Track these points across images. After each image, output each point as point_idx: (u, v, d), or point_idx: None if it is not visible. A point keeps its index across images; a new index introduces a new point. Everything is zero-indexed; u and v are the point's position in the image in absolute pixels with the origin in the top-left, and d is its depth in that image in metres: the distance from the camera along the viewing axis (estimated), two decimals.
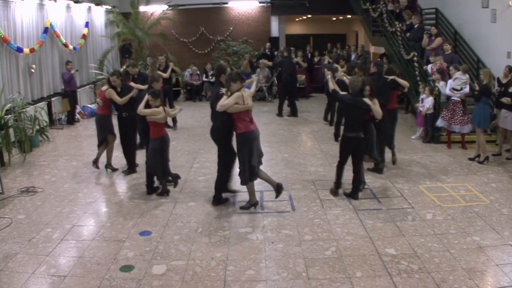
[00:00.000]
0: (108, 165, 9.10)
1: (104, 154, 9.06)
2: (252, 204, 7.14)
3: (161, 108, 7.51)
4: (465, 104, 10.12)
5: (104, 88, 8.81)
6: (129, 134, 8.87)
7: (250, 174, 6.97)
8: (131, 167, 9.01)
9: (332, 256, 5.66)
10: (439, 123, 10.31)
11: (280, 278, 5.19)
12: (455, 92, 9.95)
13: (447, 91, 10.13)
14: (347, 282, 5.08)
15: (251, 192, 7.16)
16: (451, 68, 10.59)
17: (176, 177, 7.88)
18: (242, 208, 7.15)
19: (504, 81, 9.53)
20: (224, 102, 6.70)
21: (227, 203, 7.40)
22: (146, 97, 7.54)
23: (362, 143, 7.38)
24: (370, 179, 8.37)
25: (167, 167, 7.81)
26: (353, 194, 7.50)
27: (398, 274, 5.18)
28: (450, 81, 10.15)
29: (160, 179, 7.84)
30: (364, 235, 6.19)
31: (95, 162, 9.02)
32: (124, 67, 13.19)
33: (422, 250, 5.71)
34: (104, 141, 8.97)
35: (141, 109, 7.47)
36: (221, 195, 7.43)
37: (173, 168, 8.91)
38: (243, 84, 6.84)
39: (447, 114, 10.07)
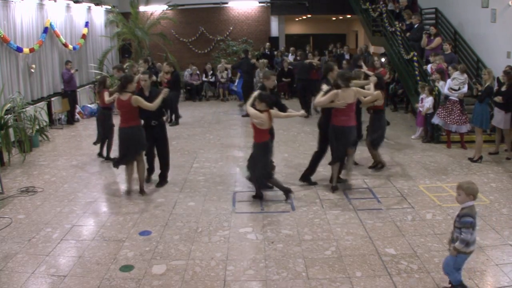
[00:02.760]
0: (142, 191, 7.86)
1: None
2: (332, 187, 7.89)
3: (264, 114, 6.95)
4: (463, 104, 10.12)
5: (124, 96, 7.46)
6: (160, 145, 7.97)
7: (335, 158, 7.78)
8: (164, 180, 8.25)
9: (332, 256, 5.66)
10: (434, 120, 10.31)
11: (280, 278, 5.19)
12: (453, 92, 9.95)
13: (445, 90, 10.14)
14: (347, 282, 5.08)
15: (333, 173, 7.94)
16: (449, 68, 10.59)
17: (286, 191, 7.51)
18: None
19: (504, 80, 9.55)
20: (321, 99, 7.46)
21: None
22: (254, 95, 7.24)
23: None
24: (370, 179, 8.37)
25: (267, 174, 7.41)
26: None
27: (398, 274, 5.18)
28: (448, 81, 10.16)
29: (254, 184, 7.56)
30: (364, 235, 6.19)
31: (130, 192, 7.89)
32: (125, 65, 13.21)
33: (422, 250, 5.71)
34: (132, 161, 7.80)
35: (247, 107, 7.26)
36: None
37: (173, 168, 8.93)
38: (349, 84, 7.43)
39: (442, 111, 10.08)
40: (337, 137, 7.55)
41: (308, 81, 14.01)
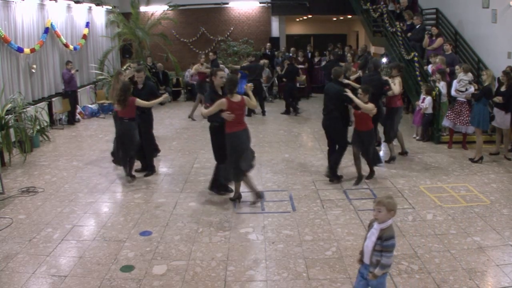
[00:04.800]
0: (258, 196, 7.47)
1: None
2: None
3: (371, 104, 7.87)
4: (471, 104, 10.10)
5: (235, 97, 7.03)
6: (222, 146, 7.33)
7: (391, 138, 9.57)
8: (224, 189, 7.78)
9: (332, 256, 5.66)
10: (444, 122, 10.32)
11: (281, 279, 5.19)
12: (460, 93, 9.93)
13: (452, 92, 10.12)
14: (348, 282, 5.08)
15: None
16: (456, 67, 10.53)
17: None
18: None
19: (503, 81, 9.55)
20: (395, 88, 9.25)
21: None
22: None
23: None
24: (371, 180, 8.36)
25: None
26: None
27: (399, 275, 5.18)
28: (454, 82, 10.13)
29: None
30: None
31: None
32: (126, 67, 13.15)
33: (423, 251, 5.71)
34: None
35: (361, 104, 7.82)
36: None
37: (174, 168, 8.94)
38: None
39: (451, 114, 10.08)
40: (392, 117, 9.36)
41: (259, 81, 14.51)
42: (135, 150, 8.51)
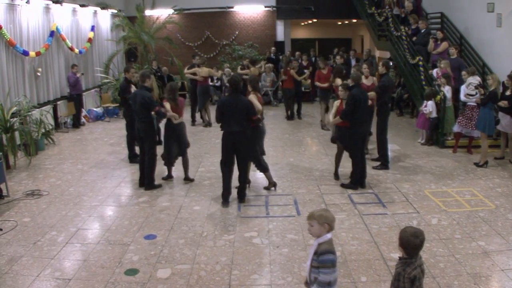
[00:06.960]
0: None
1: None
2: None
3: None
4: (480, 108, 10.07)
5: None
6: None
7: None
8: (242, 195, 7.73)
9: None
10: (456, 128, 10.26)
11: (285, 283, 5.18)
12: (470, 97, 9.89)
13: (462, 97, 10.08)
14: (352, 286, 5.06)
15: None
16: (463, 73, 10.48)
17: None
18: None
19: (508, 85, 9.52)
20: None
21: None
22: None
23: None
24: (375, 184, 8.36)
25: None
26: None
27: None
28: (463, 87, 10.08)
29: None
30: (369, 240, 6.17)
31: None
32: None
33: (427, 255, 5.69)
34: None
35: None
36: None
37: (179, 172, 8.93)
38: None
39: (463, 119, 10.03)
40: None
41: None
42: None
